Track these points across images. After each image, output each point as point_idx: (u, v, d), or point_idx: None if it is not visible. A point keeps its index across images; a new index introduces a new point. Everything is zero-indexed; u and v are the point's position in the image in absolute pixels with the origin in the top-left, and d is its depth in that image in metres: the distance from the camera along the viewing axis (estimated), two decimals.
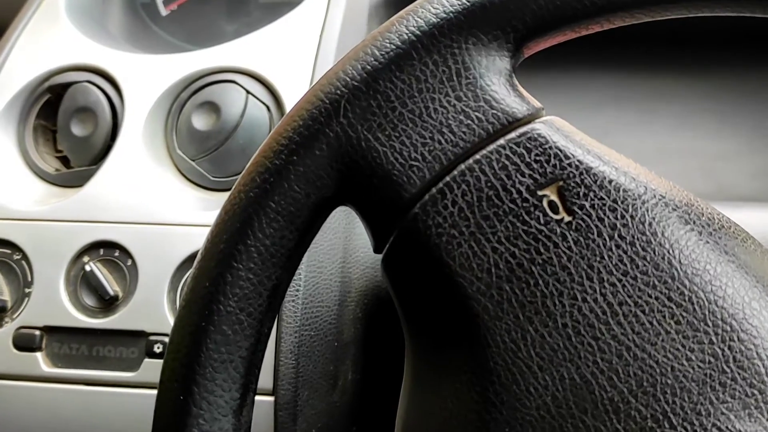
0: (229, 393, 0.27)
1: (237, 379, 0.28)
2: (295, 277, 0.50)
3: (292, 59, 0.57)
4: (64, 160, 0.60)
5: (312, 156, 0.27)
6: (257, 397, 0.49)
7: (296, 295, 0.49)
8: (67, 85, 0.58)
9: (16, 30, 0.63)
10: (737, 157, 0.74)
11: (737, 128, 0.75)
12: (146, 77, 0.57)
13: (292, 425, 0.48)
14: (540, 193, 0.26)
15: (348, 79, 0.27)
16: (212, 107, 0.55)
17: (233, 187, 0.28)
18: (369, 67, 0.27)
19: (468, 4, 0.26)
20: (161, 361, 0.49)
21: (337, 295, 0.51)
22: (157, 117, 0.57)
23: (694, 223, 0.26)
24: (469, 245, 0.26)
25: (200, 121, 0.55)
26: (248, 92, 0.56)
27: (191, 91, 0.56)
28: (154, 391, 0.49)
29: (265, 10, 0.72)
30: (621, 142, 0.75)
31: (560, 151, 0.26)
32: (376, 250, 0.29)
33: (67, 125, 0.57)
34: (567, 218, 0.25)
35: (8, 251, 0.53)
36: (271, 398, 0.49)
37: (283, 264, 0.28)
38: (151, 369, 0.50)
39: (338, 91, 0.27)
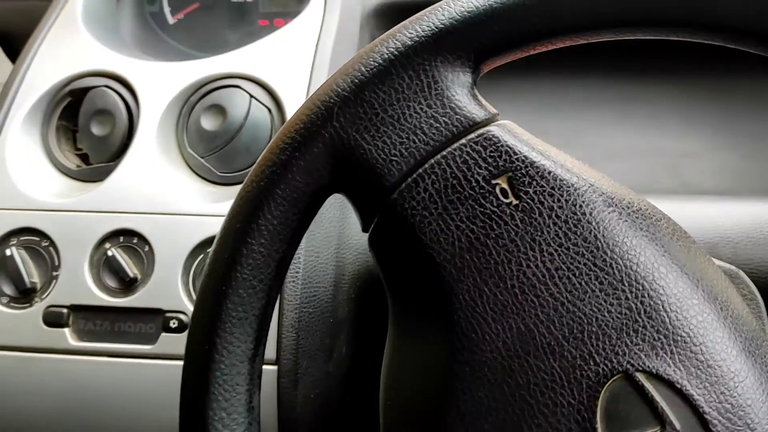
0: (245, 344, 0.33)
1: (251, 333, 0.33)
2: (295, 261, 0.56)
3: (291, 66, 0.62)
4: (83, 158, 0.65)
5: (311, 152, 0.33)
6: (262, 367, 0.55)
7: (296, 277, 0.55)
8: (86, 89, 0.64)
9: (37, 39, 0.68)
10: (701, 155, 0.78)
11: (701, 128, 0.80)
12: (159, 82, 0.63)
13: (293, 391, 0.54)
14: (493, 181, 0.32)
15: (339, 90, 0.33)
16: (219, 110, 0.61)
17: (246, 177, 0.34)
18: (357, 80, 0.33)
19: (437, 30, 0.33)
20: (177, 335, 0.56)
21: (332, 277, 0.57)
22: (169, 118, 0.62)
23: (616, 205, 0.32)
24: (437, 223, 0.32)
25: (208, 122, 0.61)
26: (252, 96, 0.61)
27: (200, 95, 0.62)
28: (171, 362, 0.56)
29: (264, 17, 0.77)
30: (594, 142, 0.80)
31: (510, 148, 0.32)
32: (364, 230, 0.35)
33: (87, 126, 0.63)
34: (515, 202, 0.32)
35: (37, 239, 0.59)
36: (274, 367, 0.54)
37: (287, 240, 0.34)
38: (168, 342, 0.56)
39: (332, 100, 0.33)
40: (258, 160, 0.34)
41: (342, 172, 0.33)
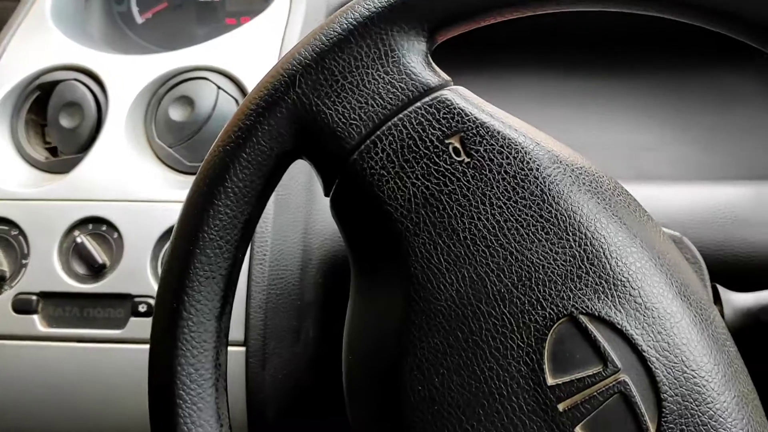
0: (212, 302, 0.35)
1: (218, 292, 0.35)
2: (262, 243, 0.57)
3: (258, 58, 0.64)
4: (52, 151, 0.66)
5: (275, 117, 0.35)
6: (230, 348, 0.56)
7: (264, 259, 0.57)
8: (55, 83, 0.65)
9: (7, 34, 0.69)
10: (658, 148, 0.81)
11: (658, 122, 0.83)
12: (127, 75, 0.64)
13: (261, 371, 0.55)
14: (446, 141, 0.34)
15: (302, 58, 0.35)
16: (187, 101, 0.62)
17: (214, 142, 0.36)
18: (318, 49, 0.35)
19: (393, 2, 0.35)
20: (146, 319, 0.57)
21: (299, 261, 0.59)
22: (137, 110, 0.63)
23: (561, 162, 0.34)
24: (394, 181, 0.34)
25: (176, 113, 0.62)
26: (219, 87, 0.62)
27: (168, 87, 0.63)
28: (140, 346, 0.56)
29: (231, 16, 0.79)
30: (555, 137, 0.82)
31: (462, 110, 0.34)
32: (326, 193, 0.37)
33: (56, 118, 0.64)
34: (466, 159, 0.34)
35: (6, 228, 0.59)
36: (242, 348, 0.55)
37: (253, 203, 0.35)
38: (136, 326, 0.56)
39: (294, 68, 0.35)
40: (224, 127, 0.36)
41: (304, 137, 0.35)
